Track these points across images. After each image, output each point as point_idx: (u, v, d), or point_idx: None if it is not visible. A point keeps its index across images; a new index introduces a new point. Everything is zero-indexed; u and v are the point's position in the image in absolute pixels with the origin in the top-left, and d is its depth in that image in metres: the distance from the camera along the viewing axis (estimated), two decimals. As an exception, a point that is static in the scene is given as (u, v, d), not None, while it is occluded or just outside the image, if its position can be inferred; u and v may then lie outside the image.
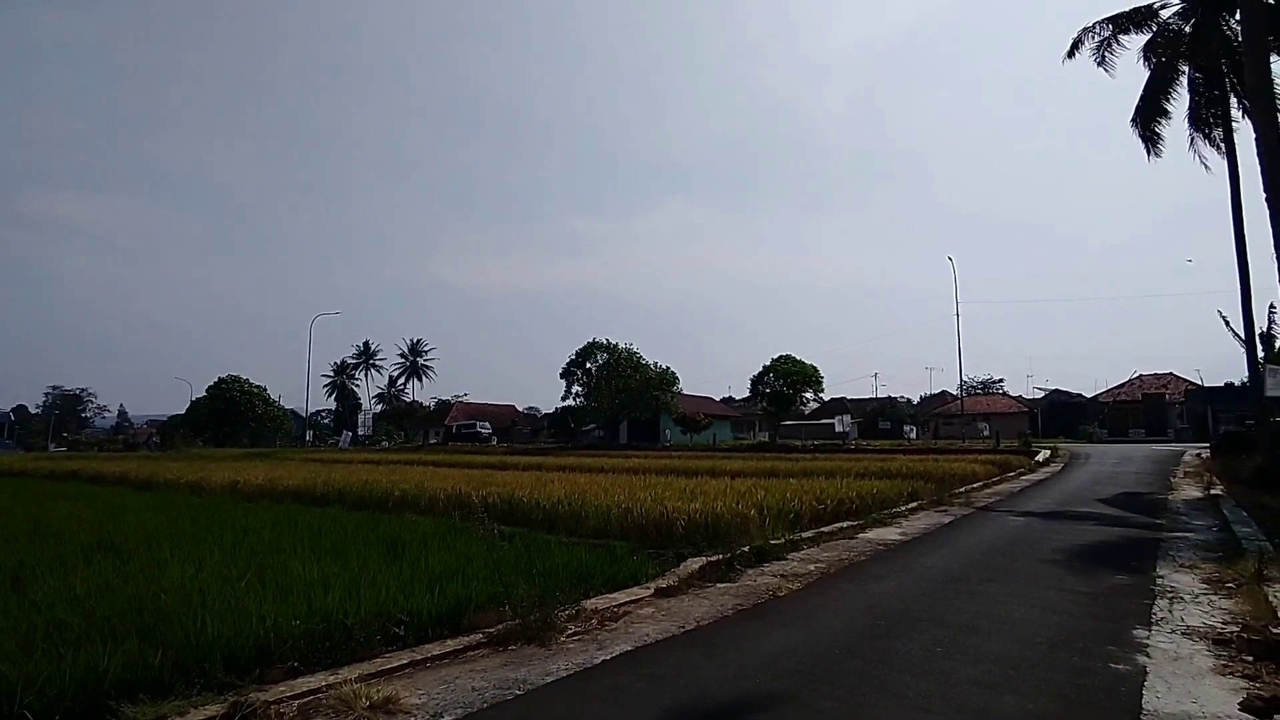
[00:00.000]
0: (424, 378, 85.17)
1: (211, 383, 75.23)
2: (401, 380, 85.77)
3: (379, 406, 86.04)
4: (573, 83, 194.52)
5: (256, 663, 4.27)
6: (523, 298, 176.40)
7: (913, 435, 66.76)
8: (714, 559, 7.85)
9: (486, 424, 72.07)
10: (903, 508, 13.19)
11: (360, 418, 74.11)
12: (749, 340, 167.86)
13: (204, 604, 4.87)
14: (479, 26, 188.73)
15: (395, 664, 4.53)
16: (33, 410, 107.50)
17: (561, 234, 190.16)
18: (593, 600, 6.13)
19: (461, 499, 11.49)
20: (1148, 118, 21.96)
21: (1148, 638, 5.28)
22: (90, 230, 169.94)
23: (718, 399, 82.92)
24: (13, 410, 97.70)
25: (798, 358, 56.79)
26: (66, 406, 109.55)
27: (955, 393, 72.99)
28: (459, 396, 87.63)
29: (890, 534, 10.59)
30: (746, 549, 8.40)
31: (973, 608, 6.21)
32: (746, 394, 62.17)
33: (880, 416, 76.53)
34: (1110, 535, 10.63)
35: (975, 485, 18.22)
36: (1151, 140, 22.11)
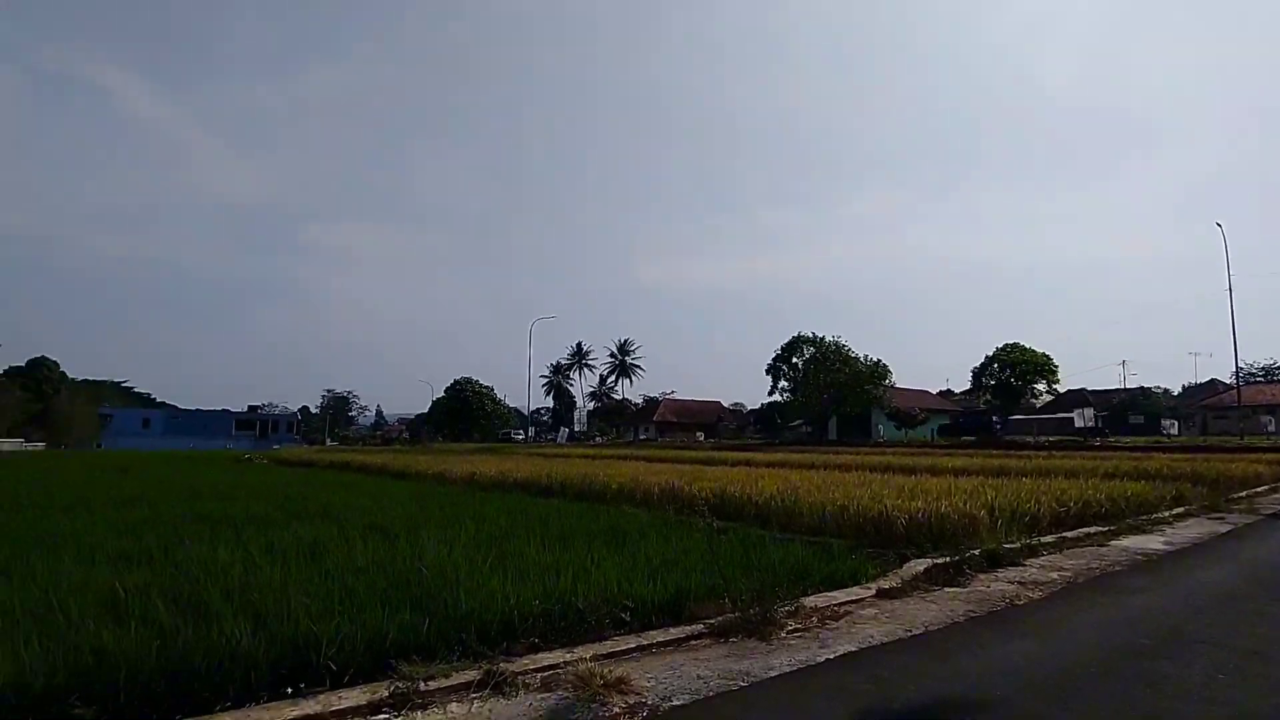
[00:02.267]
0: (632, 376, 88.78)
1: (448, 384, 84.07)
2: (611, 379, 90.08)
3: (591, 404, 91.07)
4: (766, 70, 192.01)
5: (503, 636, 4.71)
6: (726, 294, 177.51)
7: (1173, 430, 58.04)
8: (940, 561, 7.39)
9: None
10: (1166, 513, 11.54)
11: (575, 415, 78.91)
12: (969, 329, 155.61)
13: (457, 581, 5.46)
14: (669, 25, 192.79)
15: (623, 647, 4.77)
16: (313, 410, 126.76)
17: (761, 227, 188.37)
18: (811, 598, 6.03)
19: (675, 492, 11.81)
20: None
21: None
22: (350, 254, 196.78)
23: (934, 392, 77.78)
24: (298, 410, 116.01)
25: (1027, 346, 51.70)
26: (337, 407, 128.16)
27: (1229, 381, 62.28)
28: (666, 394, 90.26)
29: (1151, 542, 9.31)
30: (976, 552, 7.81)
31: (1264, 631, 5.30)
32: (967, 386, 57.68)
33: (1130, 409, 67.30)
34: None
35: (1260, 489, 15.48)
36: None
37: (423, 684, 3.91)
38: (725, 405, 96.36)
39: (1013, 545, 8.29)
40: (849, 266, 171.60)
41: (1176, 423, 61.96)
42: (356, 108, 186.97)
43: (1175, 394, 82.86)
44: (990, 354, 52.91)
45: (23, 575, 5.81)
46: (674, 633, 5.09)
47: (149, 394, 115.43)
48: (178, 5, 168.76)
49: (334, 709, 3.67)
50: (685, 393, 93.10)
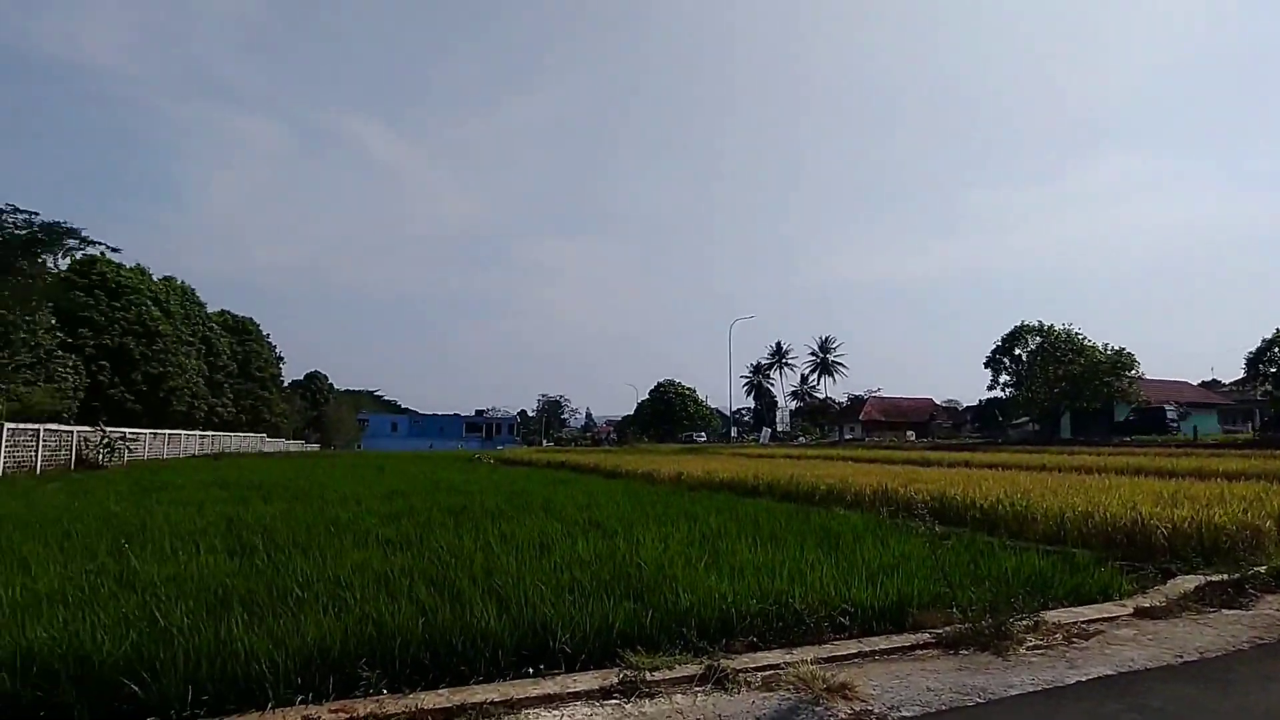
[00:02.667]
0: (834, 374, 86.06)
1: (652, 386, 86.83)
2: (813, 377, 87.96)
3: (793, 404, 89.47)
4: (977, 40, 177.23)
5: (721, 633, 4.79)
6: (928, 282, 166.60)
7: None
8: (1215, 579, 6.39)
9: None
10: None
11: (777, 414, 78.01)
12: (1240, 309, 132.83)
13: (675, 577, 5.64)
14: (864, 9, 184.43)
15: (844, 652, 4.65)
16: (530, 414, 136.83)
17: (963, 209, 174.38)
18: (1053, 613, 5.49)
19: (888, 495, 11.28)
20: None
21: None
22: (560, 267, 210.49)
23: (1195, 384, 67.23)
24: (518, 414, 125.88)
25: (1322, 325, 43.04)
26: (551, 410, 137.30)
27: None
28: (872, 391, 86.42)
29: None
30: (1262, 569, 6.67)
31: None
32: (1240, 375, 49.15)
33: None
34: None
35: None
36: None
37: (648, 674, 4.09)
38: (937, 402, 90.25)
39: (1313, 563, 6.96)
40: (1082, 244, 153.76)
41: None
42: (552, 133, 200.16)
43: None
44: (1268, 336, 44.56)
45: (317, 555, 6.86)
46: (897, 640, 4.88)
47: (395, 401, 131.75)
48: (401, 49, 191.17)
49: (570, 690, 3.96)
50: (892, 390, 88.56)
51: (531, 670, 4.26)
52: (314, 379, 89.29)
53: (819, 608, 5.10)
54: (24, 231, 29.75)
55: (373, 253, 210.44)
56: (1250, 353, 46.35)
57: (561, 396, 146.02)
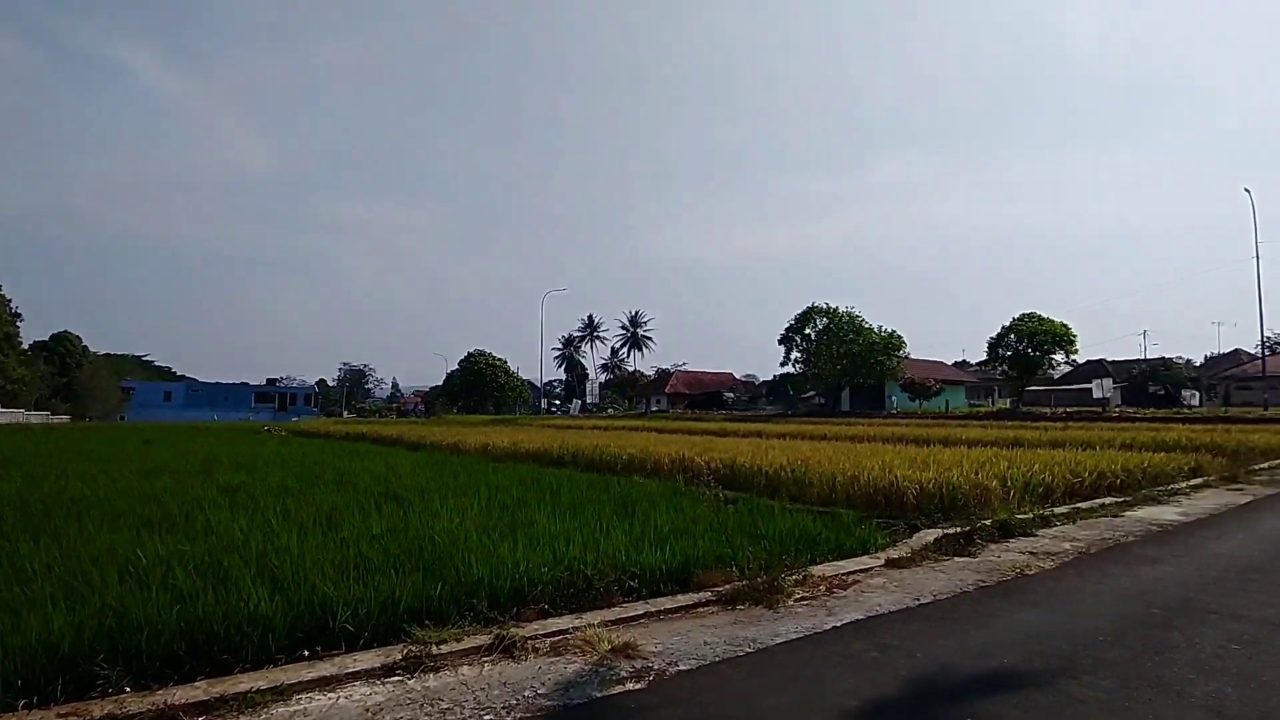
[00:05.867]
0: (644, 348, 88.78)
1: (462, 357, 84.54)
2: (623, 351, 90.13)
3: (603, 376, 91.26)
4: (779, 33, 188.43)
5: (513, 602, 4.78)
6: (738, 264, 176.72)
7: (1194, 401, 57.36)
8: (951, 531, 7.39)
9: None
10: (1183, 484, 11.48)
11: (587, 387, 79.19)
12: (987, 299, 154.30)
13: (469, 549, 5.54)
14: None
15: (631, 613, 4.83)
16: (330, 383, 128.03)
17: (774, 197, 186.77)
18: (819, 567, 6.07)
19: (685, 463, 11.86)
20: None
21: None
22: (367, 229, 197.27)
23: (949, 363, 77.27)
24: (315, 383, 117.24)
25: (1044, 315, 51.08)
26: (354, 380, 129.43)
27: (1253, 351, 61.34)
28: (678, 365, 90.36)
29: (1166, 513, 9.26)
30: (988, 522, 7.81)
31: (1280, 602, 5.27)
32: (983, 357, 57.17)
33: (1150, 380, 66.48)
34: None
35: (1282, 460, 15.30)
36: None
37: (435, 647, 3.99)
38: (738, 377, 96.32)
39: (1025, 516, 8.29)
40: (868, 235, 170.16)
41: (1198, 393, 61.19)
42: (366, 82, 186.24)
43: (1197, 364, 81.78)
44: (1007, 324, 52.24)
45: (49, 540, 5.94)
46: (681, 600, 5.15)
47: (170, 368, 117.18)
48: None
49: (349, 670, 3.76)
50: (697, 365, 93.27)
51: (307, 653, 3.99)
52: (63, 341, 76.89)
53: (610, 573, 5.24)
54: None
55: (145, 198, 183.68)
56: (991, 338, 54.13)
57: (366, 366, 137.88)
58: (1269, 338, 61.89)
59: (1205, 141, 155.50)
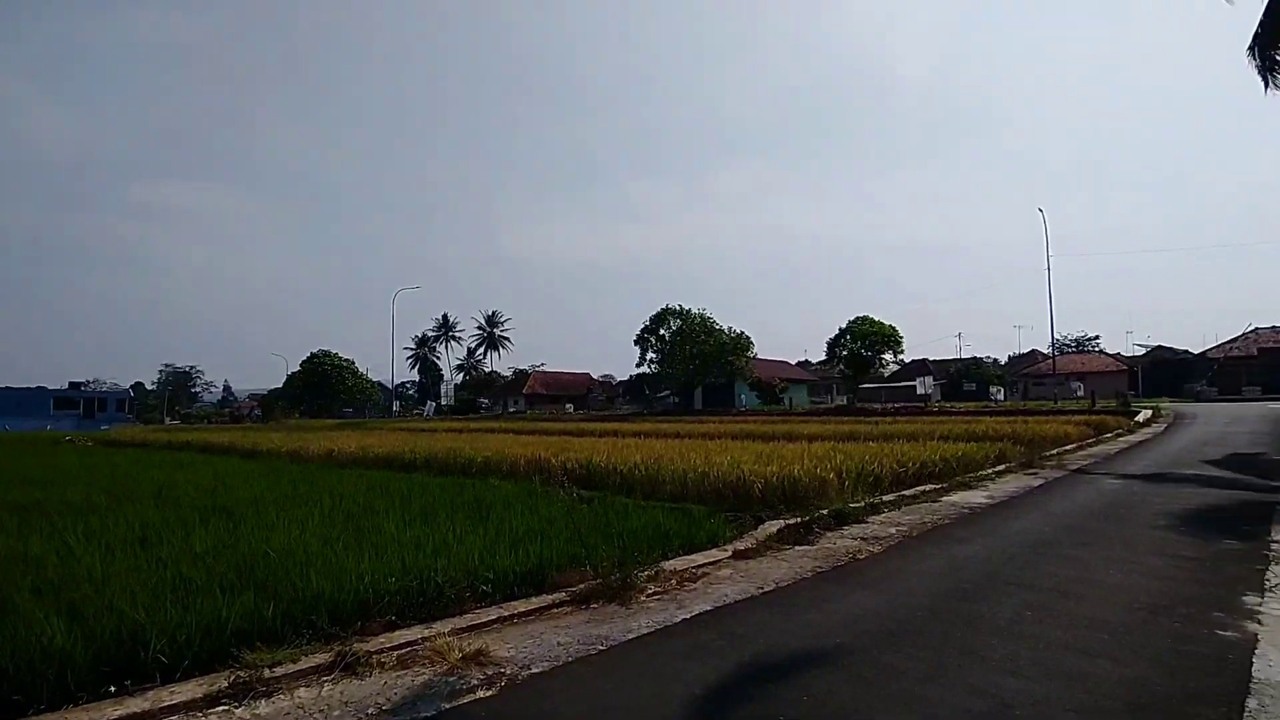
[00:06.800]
0: (501, 348, 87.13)
1: (305, 357, 79.16)
2: (480, 351, 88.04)
3: (459, 377, 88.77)
4: (632, 43, 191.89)
5: (357, 616, 4.54)
6: (595, 265, 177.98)
7: (1000, 397, 64.13)
8: (792, 522, 7.83)
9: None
10: (989, 471, 12.80)
11: (442, 388, 76.70)
12: (826, 302, 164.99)
13: (308, 562, 5.21)
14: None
15: (484, 619, 4.74)
16: (149, 386, 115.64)
17: (629, 199, 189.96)
18: (671, 562, 6.24)
19: (541, 464, 11.79)
20: (1267, 43, 19.99)
21: (1260, 604, 5.00)
22: (195, 218, 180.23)
23: (793, 363, 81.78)
24: (130, 387, 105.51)
25: (876, 319, 55.28)
26: (178, 383, 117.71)
27: (1047, 351, 69.60)
28: (536, 366, 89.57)
29: (976, 497, 10.31)
30: (825, 512, 8.34)
31: (1065, 572, 6.01)
32: (823, 357, 61.03)
33: (965, 378, 73.76)
34: (1219, 498, 10.04)
35: (1068, 447, 17.46)
36: (1271, 70, 20.12)
37: (267, 671, 3.72)
38: (595, 377, 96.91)
39: (858, 504, 8.92)
40: (718, 238, 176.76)
41: (1003, 389, 68.62)
42: (201, 61, 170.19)
43: (1002, 363, 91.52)
44: (844, 326, 56.12)
45: None
46: (535, 602, 5.12)
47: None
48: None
49: (165, 704, 3.42)
50: (556, 365, 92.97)
51: (114, 689, 3.59)
52: None
53: (462, 578, 5.12)
54: None
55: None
56: (830, 339, 57.95)
57: (192, 367, 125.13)
58: (1059, 340, 70.45)
59: (1007, 164, 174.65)
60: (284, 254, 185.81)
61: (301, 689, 3.69)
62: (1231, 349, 58.80)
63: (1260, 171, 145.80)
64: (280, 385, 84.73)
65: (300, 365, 79.25)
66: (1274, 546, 6.81)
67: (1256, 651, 4.05)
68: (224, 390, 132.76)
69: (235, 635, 4.04)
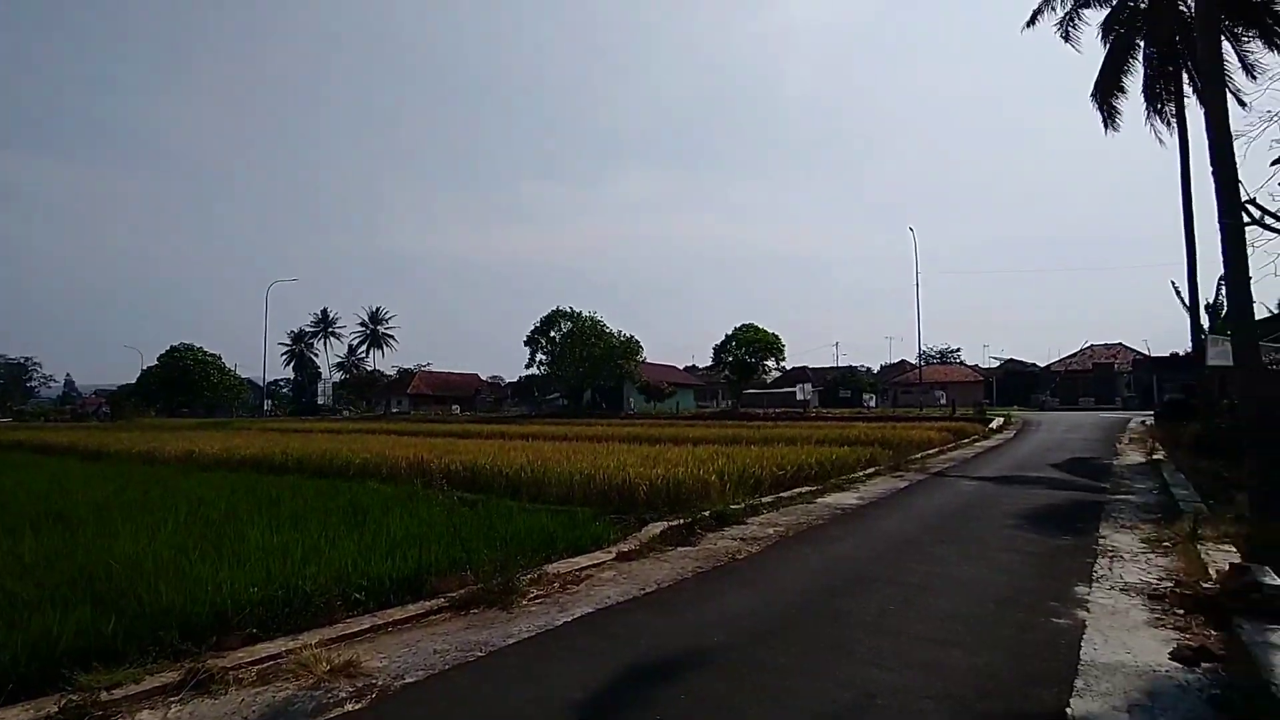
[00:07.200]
0: (385, 346, 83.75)
1: (163, 351, 73.12)
2: (362, 349, 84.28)
3: (339, 376, 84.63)
4: (532, 46, 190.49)
5: (213, 630, 4.23)
6: (485, 266, 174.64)
7: (872, 403, 67.98)
8: (675, 523, 7.96)
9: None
10: (860, 473, 13.49)
11: (319, 387, 72.89)
12: (713, 309, 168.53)
13: (157, 573, 4.80)
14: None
15: (356, 629, 4.53)
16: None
17: (523, 201, 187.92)
18: (555, 564, 6.19)
19: (423, 466, 11.43)
20: (1106, 92, 22.29)
21: (1088, 594, 5.52)
22: (35, 194, 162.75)
23: (681, 367, 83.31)
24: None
25: (760, 327, 57.17)
26: (10, 376, 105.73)
27: (914, 362, 74.41)
28: (422, 366, 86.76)
29: (848, 499, 10.83)
30: (707, 514, 8.53)
31: (925, 568, 6.41)
32: (709, 363, 62.51)
33: (840, 385, 77.63)
34: (1058, 499, 11.02)
35: (931, 451, 18.70)
36: (1110, 114, 22.46)
37: (105, 693, 3.40)
38: (484, 378, 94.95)
39: (738, 506, 9.18)
40: (611, 243, 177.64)
41: (875, 396, 72.73)
42: (50, 14, 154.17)
43: (875, 371, 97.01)
44: (729, 333, 57.74)
45: None
46: (412, 609, 4.95)
47: None
48: None
49: (-21, 735, 3.06)
50: (443, 365, 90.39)
51: (-84, 720, 3.17)
52: None
53: (333, 587, 4.87)
54: None
55: None
56: (716, 345, 59.47)
57: (28, 359, 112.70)
58: (925, 351, 75.57)
59: (883, 185, 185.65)
60: (143, 236, 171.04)
61: (144, 712, 3.40)
62: (1071, 363, 64.92)
63: (1102, 201, 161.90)
64: (134, 381, 77.78)
65: (158, 359, 73.07)
66: (1101, 541, 7.54)
67: (1084, 636, 4.47)
68: (65, 386, 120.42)
69: (69, 655, 3.68)
